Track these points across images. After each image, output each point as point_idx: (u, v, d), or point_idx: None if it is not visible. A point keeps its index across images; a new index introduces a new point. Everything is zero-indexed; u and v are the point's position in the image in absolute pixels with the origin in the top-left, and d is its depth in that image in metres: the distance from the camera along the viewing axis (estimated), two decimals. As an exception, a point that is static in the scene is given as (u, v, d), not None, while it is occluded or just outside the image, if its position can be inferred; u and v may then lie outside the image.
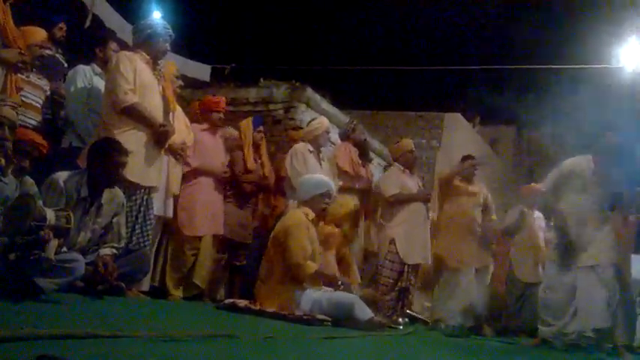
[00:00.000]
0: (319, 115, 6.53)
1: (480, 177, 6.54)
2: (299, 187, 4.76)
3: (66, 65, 5.17)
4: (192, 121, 5.30)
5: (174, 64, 5.28)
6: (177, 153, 4.75)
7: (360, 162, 5.98)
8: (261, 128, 5.79)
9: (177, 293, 4.92)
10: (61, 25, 5.23)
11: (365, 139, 6.22)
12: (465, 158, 6.46)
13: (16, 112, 3.28)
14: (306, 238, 4.35)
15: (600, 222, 4.70)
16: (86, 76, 4.76)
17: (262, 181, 5.65)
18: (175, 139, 4.63)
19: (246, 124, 5.73)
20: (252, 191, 5.61)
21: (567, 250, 4.76)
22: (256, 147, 5.70)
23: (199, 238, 5.04)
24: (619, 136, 4.75)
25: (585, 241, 4.66)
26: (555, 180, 4.90)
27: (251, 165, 5.53)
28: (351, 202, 5.34)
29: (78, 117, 4.66)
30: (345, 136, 6.19)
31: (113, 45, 4.97)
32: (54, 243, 2.78)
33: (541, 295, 4.98)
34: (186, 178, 5.03)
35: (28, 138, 3.81)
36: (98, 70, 4.82)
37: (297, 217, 4.47)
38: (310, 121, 5.95)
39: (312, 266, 4.30)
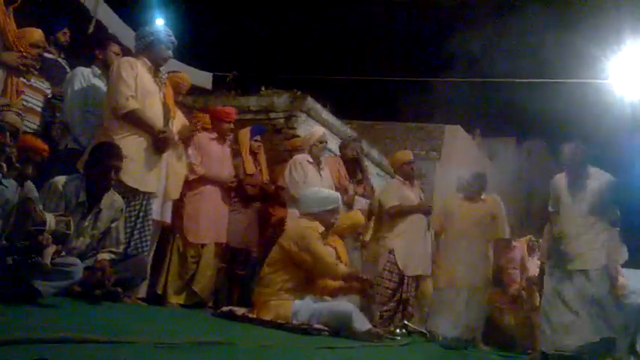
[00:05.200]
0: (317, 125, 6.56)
1: (489, 191, 6.35)
2: (306, 198, 4.66)
3: (69, 70, 5.17)
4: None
5: (185, 77, 5.27)
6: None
7: (348, 177, 5.97)
8: (258, 137, 5.81)
9: (178, 300, 4.91)
10: (65, 30, 5.23)
11: (355, 157, 6.10)
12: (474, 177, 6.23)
13: (21, 118, 3.28)
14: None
15: (588, 229, 4.89)
16: (84, 78, 4.67)
17: (265, 187, 5.65)
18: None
19: (244, 132, 5.77)
20: (256, 196, 5.62)
21: (562, 258, 4.89)
22: (254, 155, 5.72)
23: (202, 246, 5.03)
24: (578, 149, 4.97)
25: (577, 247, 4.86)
26: (551, 197, 5.18)
27: (250, 169, 5.54)
28: (355, 215, 5.32)
29: (74, 119, 4.58)
30: (340, 150, 6.24)
31: (115, 47, 4.90)
32: (51, 249, 2.78)
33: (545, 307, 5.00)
34: (192, 185, 5.04)
35: (30, 145, 3.81)
36: (98, 71, 4.75)
37: (309, 224, 4.42)
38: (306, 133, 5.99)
39: (342, 268, 4.31)
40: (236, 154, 5.69)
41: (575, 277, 4.81)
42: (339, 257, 5.00)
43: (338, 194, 4.77)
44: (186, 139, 4.83)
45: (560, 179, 5.13)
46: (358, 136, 7.23)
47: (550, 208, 5.16)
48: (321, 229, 4.44)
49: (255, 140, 5.76)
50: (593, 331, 4.63)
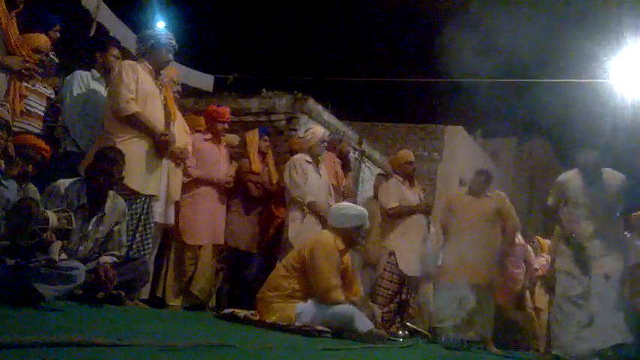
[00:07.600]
0: (316, 125, 6.55)
1: (494, 189, 6.31)
2: (334, 212, 4.58)
3: (57, 61, 5.16)
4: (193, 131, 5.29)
5: (173, 68, 5.28)
6: (177, 157, 4.68)
7: (343, 173, 5.97)
8: (266, 137, 5.84)
9: (177, 303, 4.91)
10: (57, 27, 5.22)
11: (349, 152, 6.10)
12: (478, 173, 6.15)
13: (7, 110, 3.26)
14: (335, 264, 4.28)
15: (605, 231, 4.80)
16: (83, 81, 4.69)
17: (270, 186, 5.64)
18: (176, 143, 4.63)
19: (252, 134, 5.78)
20: (260, 196, 5.60)
21: (579, 260, 4.81)
22: (262, 155, 5.73)
23: (199, 248, 5.03)
24: (595, 154, 4.89)
25: (594, 249, 4.76)
26: (554, 195, 5.10)
27: (256, 167, 5.54)
28: None
29: (73, 121, 4.59)
30: (331, 146, 6.11)
31: (115, 51, 4.91)
32: (56, 244, 2.80)
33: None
34: (187, 187, 5.01)
35: (30, 143, 3.82)
36: (97, 75, 4.76)
37: (329, 241, 4.35)
38: (305, 132, 5.96)
39: (341, 297, 4.23)
40: (240, 155, 5.69)
41: (592, 280, 4.72)
42: (348, 277, 4.75)
43: (366, 213, 4.63)
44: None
45: (571, 179, 5.00)
46: (340, 130, 7.20)
47: (550, 202, 5.08)
48: (342, 246, 4.39)
49: (264, 140, 5.77)
50: (607, 336, 4.59)
